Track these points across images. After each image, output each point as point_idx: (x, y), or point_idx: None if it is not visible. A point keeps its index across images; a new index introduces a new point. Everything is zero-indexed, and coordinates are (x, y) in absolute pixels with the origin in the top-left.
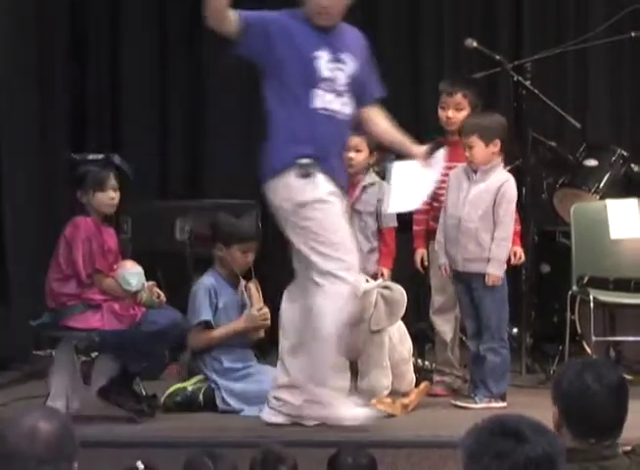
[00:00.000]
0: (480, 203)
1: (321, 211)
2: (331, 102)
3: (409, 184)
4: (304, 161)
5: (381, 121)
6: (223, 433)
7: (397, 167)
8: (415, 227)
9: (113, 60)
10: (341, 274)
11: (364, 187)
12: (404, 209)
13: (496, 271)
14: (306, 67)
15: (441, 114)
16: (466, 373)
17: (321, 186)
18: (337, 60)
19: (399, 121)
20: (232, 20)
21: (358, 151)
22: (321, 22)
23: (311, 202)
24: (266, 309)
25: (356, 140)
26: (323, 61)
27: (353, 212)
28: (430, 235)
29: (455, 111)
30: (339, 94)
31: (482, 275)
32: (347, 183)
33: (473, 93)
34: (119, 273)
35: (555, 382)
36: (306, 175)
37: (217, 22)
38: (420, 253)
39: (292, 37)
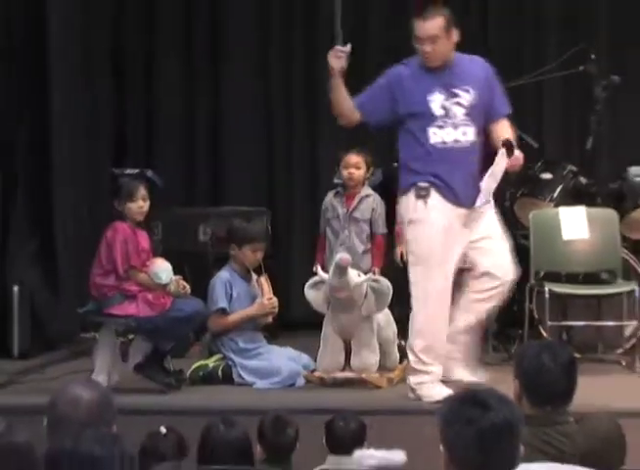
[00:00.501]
0: None
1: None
2: (449, 134)
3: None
4: (422, 184)
5: (503, 134)
6: (238, 402)
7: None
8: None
9: (147, 91)
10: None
11: (361, 198)
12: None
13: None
14: (421, 111)
15: None
16: None
17: (431, 208)
18: (452, 95)
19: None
20: (355, 113)
21: (358, 168)
22: (430, 64)
23: (415, 220)
24: (275, 299)
25: (356, 159)
26: (436, 102)
27: (351, 219)
28: None
29: None
30: (457, 126)
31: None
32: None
33: None
34: (151, 269)
35: (516, 360)
36: (420, 197)
37: (347, 121)
38: (400, 249)
39: (404, 90)
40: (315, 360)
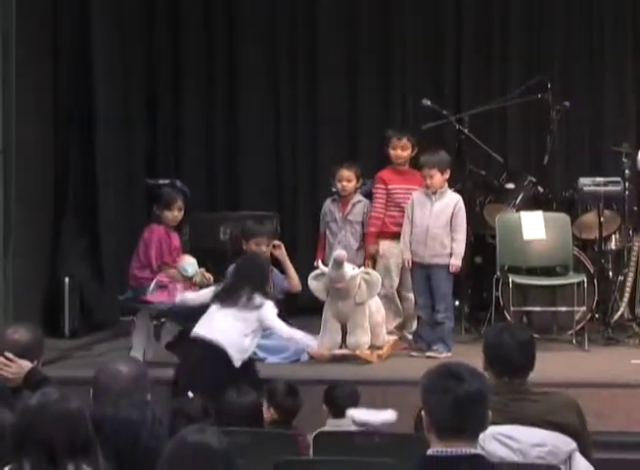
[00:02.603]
0: (443, 215)
1: None
2: None
3: None
4: None
5: None
6: None
7: None
8: (371, 229)
9: (175, 113)
10: None
11: (353, 204)
12: None
13: (458, 262)
14: None
15: (392, 153)
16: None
17: None
18: None
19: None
20: None
21: (349, 181)
22: None
23: None
24: None
25: (347, 173)
26: None
27: (346, 222)
28: (386, 235)
29: (402, 150)
30: None
31: (443, 266)
32: (343, 203)
33: (413, 137)
34: (179, 264)
35: (484, 339)
36: None
37: None
38: (373, 248)
39: None
40: (318, 339)
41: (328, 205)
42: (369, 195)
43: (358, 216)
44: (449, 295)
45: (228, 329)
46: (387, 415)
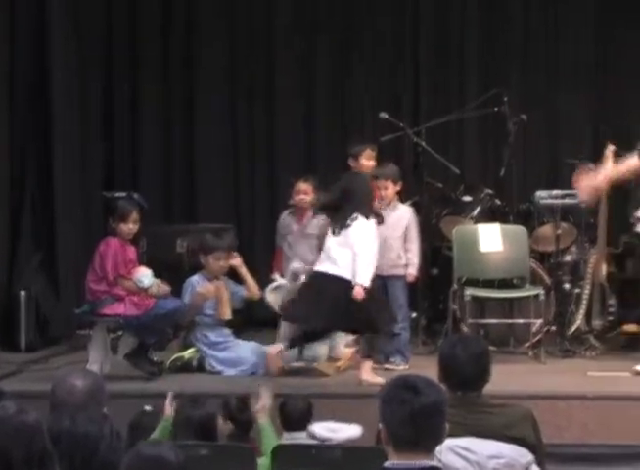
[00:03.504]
0: (399, 226)
1: None
2: None
3: None
4: None
5: None
6: (210, 388)
7: None
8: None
9: (132, 129)
10: None
11: (311, 217)
12: None
13: (415, 272)
14: None
15: (365, 163)
16: None
17: None
18: None
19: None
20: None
21: (307, 193)
22: None
23: None
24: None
25: (305, 186)
26: None
27: (303, 235)
28: None
29: (373, 160)
30: None
31: (400, 276)
32: (301, 216)
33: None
34: (135, 276)
35: (439, 351)
36: None
37: None
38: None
39: None
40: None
41: (285, 218)
42: None
43: (315, 229)
44: (406, 306)
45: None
46: (351, 431)
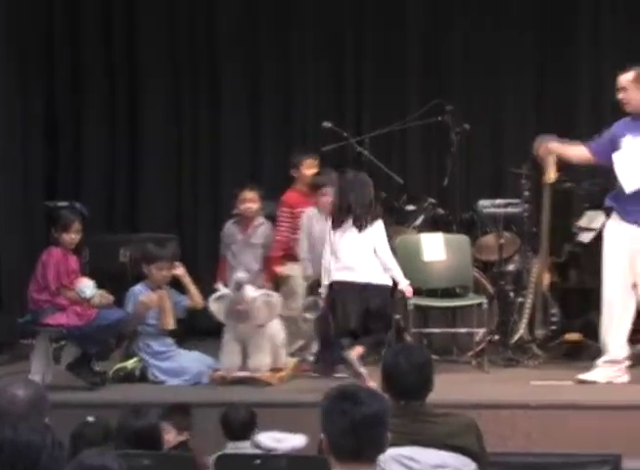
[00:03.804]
0: None
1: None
2: None
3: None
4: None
5: None
6: (153, 397)
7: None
8: (278, 253)
9: (74, 138)
10: None
11: (256, 227)
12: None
13: None
14: (615, 149)
15: (307, 173)
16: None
17: (607, 227)
18: None
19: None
20: (587, 156)
21: (253, 202)
22: (626, 111)
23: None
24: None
25: (251, 195)
26: (626, 141)
27: (248, 244)
28: (291, 257)
29: (314, 169)
30: None
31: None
32: (245, 225)
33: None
34: (77, 286)
35: (382, 361)
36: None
37: (586, 163)
38: (280, 271)
39: (614, 133)
40: (218, 362)
41: (229, 227)
42: (270, 217)
43: (260, 239)
44: None
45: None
46: (296, 441)
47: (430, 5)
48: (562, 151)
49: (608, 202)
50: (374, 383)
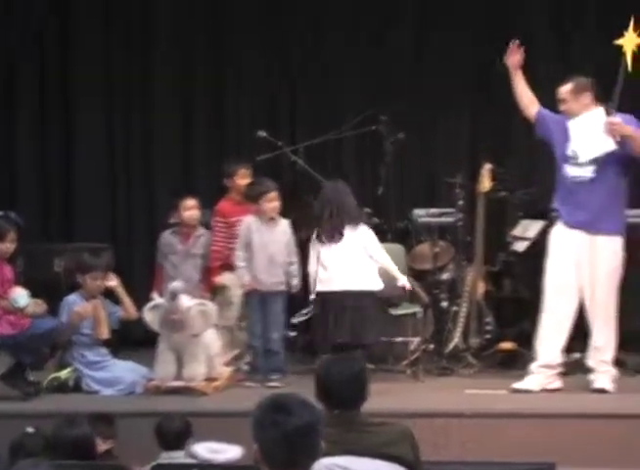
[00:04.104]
0: (282, 242)
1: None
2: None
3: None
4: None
5: None
6: (87, 407)
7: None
8: (215, 263)
9: (8, 147)
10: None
11: (197, 237)
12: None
13: (298, 282)
14: (561, 150)
15: (240, 183)
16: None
17: (553, 233)
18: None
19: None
20: (532, 110)
21: (196, 209)
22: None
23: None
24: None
25: (193, 202)
26: (571, 145)
27: (188, 255)
28: (228, 267)
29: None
30: (582, 165)
31: (279, 292)
32: (186, 235)
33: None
34: (10, 296)
35: (317, 370)
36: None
37: (526, 113)
38: (218, 281)
39: (556, 127)
40: (152, 372)
41: (168, 237)
42: (206, 225)
43: (200, 249)
44: (283, 323)
45: None
46: (232, 453)
47: (364, 15)
48: (520, 81)
49: (554, 205)
50: None
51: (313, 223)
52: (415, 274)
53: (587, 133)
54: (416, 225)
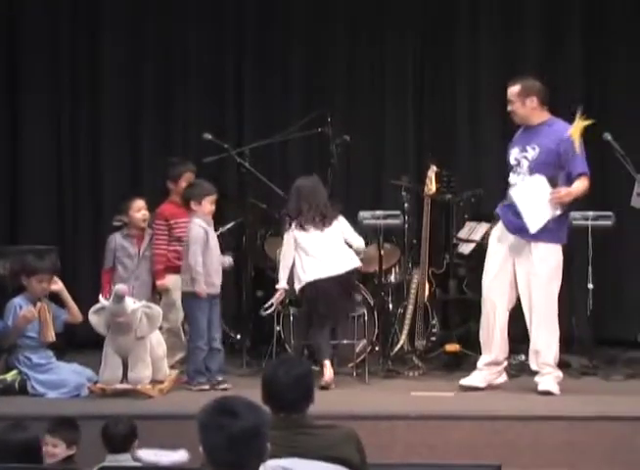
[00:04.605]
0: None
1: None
2: (520, 180)
3: (533, 203)
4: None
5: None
6: (32, 410)
7: (517, 193)
8: (159, 266)
9: None
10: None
11: (150, 239)
12: (541, 224)
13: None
14: (507, 158)
15: (183, 185)
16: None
17: (493, 232)
18: (523, 150)
19: None
20: None
21: (146, 210)
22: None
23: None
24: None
25: (143, 203)
26: (513, 153)
27: (143, 258)
28: (170, 269)
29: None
30: (524, 174)
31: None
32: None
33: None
34: None
35: (262, 373)
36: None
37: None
38: (162, 284)
39: (512, 141)
40: (97, 374)
41: (118, 240)
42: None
43: (150, 251)
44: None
45: None
46: (177, 456)
47: (313, 17)
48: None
49: (498, 209)
50: None
51: (292, 215)
52: (361, 277)
53: (532, 202)
54: (362, 227)
